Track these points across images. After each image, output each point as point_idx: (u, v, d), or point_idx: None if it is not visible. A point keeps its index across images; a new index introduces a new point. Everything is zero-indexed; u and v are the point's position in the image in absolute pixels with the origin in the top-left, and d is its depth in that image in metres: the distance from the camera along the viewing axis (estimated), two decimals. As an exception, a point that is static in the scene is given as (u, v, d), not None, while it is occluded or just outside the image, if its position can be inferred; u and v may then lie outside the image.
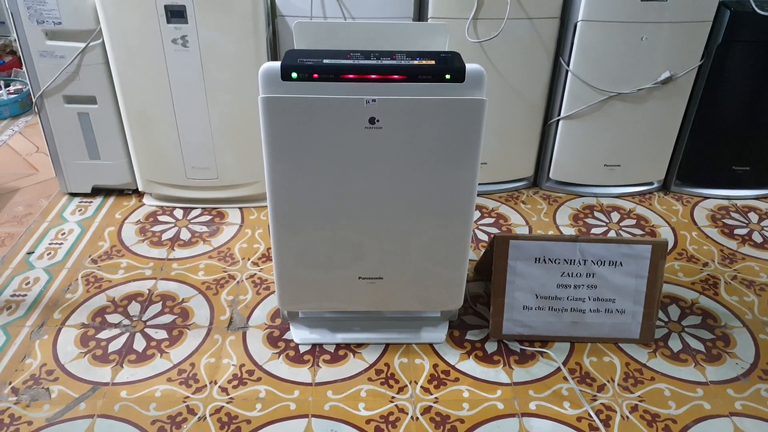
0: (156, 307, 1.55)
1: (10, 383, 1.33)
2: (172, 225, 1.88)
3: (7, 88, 2.68)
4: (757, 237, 1.86)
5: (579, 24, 1.76)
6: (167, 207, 1.96)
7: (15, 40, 1.80)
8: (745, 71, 1.84)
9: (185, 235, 1.83)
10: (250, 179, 1.91)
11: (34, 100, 1.81)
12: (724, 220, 1.95)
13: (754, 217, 1.97)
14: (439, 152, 1.17)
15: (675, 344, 1.46)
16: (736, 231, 1.89)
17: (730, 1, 1.78)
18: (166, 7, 1.60)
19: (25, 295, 1.58)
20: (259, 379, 1.35)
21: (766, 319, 1.54)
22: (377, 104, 1.11)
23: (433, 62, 1.12)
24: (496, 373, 1.38)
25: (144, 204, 1.97)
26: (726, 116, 1.93)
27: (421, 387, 1.34)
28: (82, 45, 1.70)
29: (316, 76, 1.09)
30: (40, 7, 1.65)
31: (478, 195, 1.40)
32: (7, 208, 1.95)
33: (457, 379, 1.36)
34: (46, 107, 1.82)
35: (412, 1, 1.76)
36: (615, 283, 1.41)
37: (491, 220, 1.93)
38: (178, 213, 1.94)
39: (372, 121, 1.13)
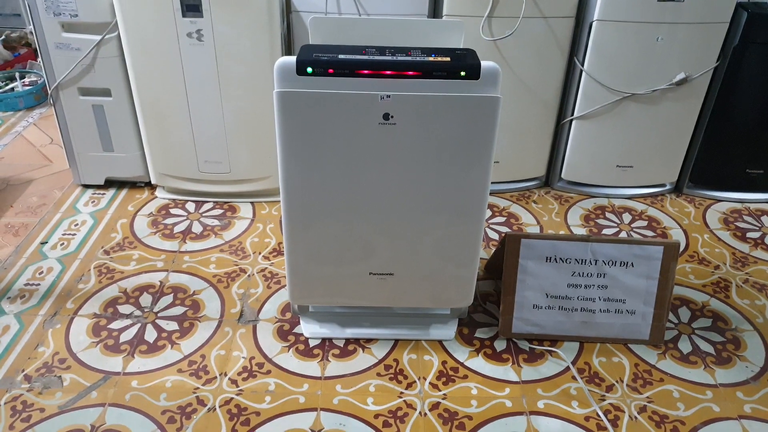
0: (167, 299, 1.56)
1: (23, 371, 1.34)
2: (184, 218, 1.89)
3: (23, 80, 2.70)
4: (769, 240, 1.86)
5: (594, 23, 1.75)
6: (179, 200, 1.97)
7: (31, 32, 1.81)
8: (761, 73, 1.83)
9: (197, 228, 1.84)
10: (262, 174, 1.91)
11: (49, 92, 1.82)
12: (737, 223, 1.94)
13: (767, 220, 1.95)
14: (452, 149, 1.17)
15: (685, 346, 1.46)
16: (749, 234, 1.88)
17: (747, 3, 1.77)
18: (181, 0, 1.61)
19: (39, 284, 1.60)
20: (268, 372, 1.36)
21: (778, 323, 1.54)
22: (391, 100, 1.11)
23: (448, 59, 1.12)
24: (504, 371, 1.38)
25: (156, 197, 1.99)
26: (741, 119, 1.91)
27: (430, 383, 1.34)
28: (98, 38, 1.72)
29: (331, 71, 1.10)
30: (58, -1, 1.67)
31: (490, 194, 1.40)
32: (22, 199, 1.97)
33: (465, 377, 1.36)
34: (61, 99, 1.83)
35: (427, -1, 1.76)
36: (626, 283, 1.41)
37: (502, 219, 1.93)
38: (190, 206, 1.95)
39: (386, 117, 1.13)
